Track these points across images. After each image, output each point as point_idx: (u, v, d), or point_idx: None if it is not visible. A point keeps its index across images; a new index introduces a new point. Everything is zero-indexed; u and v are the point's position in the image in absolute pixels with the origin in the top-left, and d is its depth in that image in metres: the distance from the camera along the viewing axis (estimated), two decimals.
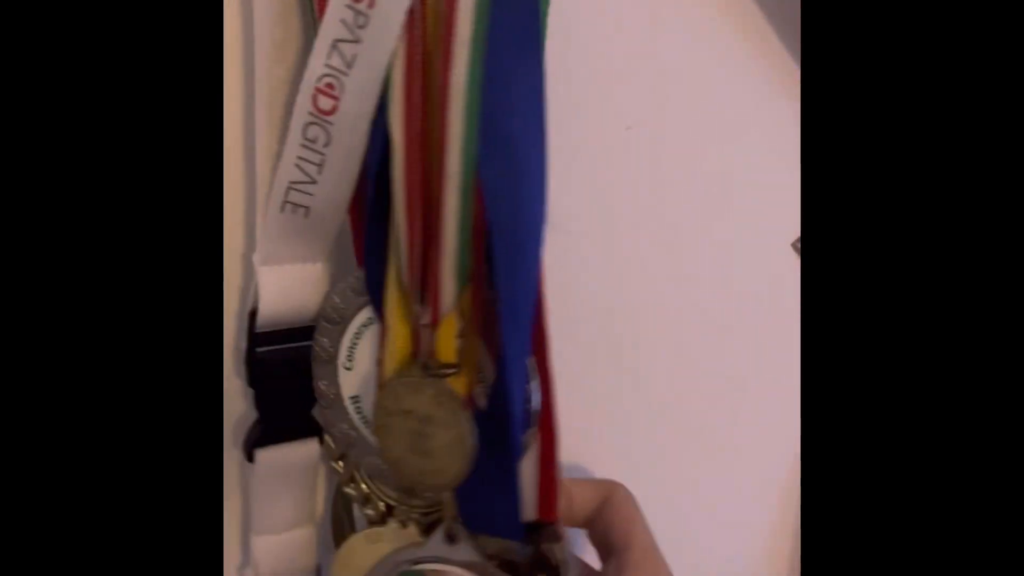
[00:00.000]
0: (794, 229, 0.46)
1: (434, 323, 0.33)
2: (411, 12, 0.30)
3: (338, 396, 0.36)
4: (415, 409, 0.33)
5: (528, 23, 0.31)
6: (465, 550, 0.36)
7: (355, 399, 0.37)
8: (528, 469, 0.35)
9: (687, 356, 0.46)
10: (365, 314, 0.36)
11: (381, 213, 0.33)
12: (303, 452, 0.40)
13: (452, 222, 0.31)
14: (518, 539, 0.35)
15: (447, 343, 0.33)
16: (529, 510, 0.36)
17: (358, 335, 0.36)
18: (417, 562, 0.36)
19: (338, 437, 0.37)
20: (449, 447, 0.33)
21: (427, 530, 0.38)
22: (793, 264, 0.45)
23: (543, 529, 0.36)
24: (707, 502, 0.49)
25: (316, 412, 0.39)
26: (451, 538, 0.36)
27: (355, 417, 0.37)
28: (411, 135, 0.31)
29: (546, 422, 0.35)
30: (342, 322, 0.36)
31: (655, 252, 0.43)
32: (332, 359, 0.36)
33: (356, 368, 0.36)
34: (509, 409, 0.32)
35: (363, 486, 0.38)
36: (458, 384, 0.33)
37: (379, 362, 0.34)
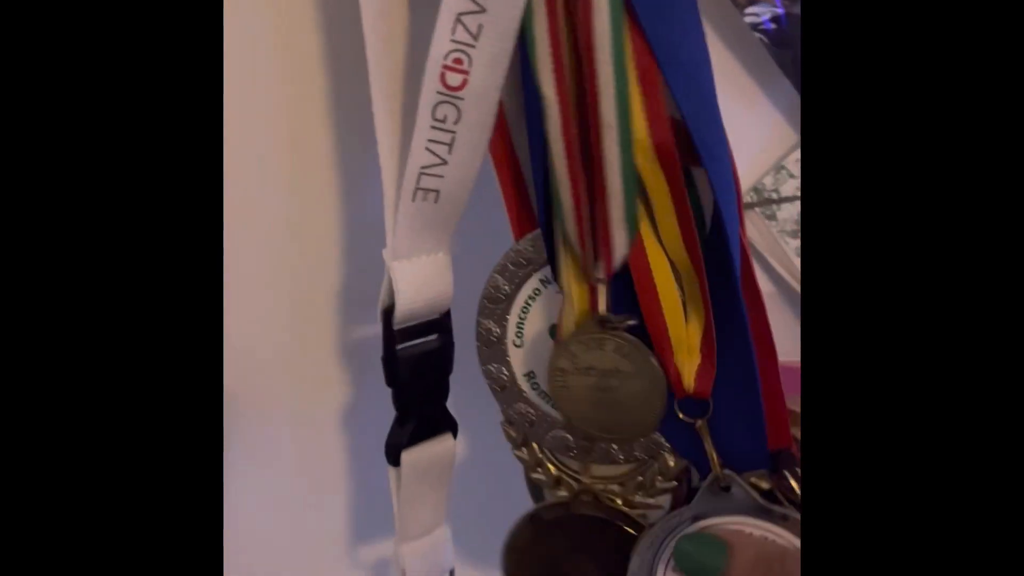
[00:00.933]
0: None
1: (608, 277, 0.34)
2: None
3: (511, 376, 0.36)
4: (596, 365, 0.34)
5: None
6: (738, 494, 0.35)
7: (530, 375, 0.37)
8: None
9: None
10: (531, 286, 0.36)
11: (545, 176, 0.33)
12: (441, 449, 0.40)
13: (615, 173, 0.32)
14: (766, 467, 0.36)
15: (671, 298, 0.34)
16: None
17: (525, 309, 0.36)
18: (697, 520, 0.35)
19: (516, 419, 0.37)
20: (640, 396, 0.34)
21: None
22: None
23: (780, 456, 0.36)
24: None
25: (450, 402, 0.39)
26: (725, 488, 0.35)
27: (532, 394, 0.37)
28: (563, 91, 0.32)
29: (765, 351, 0.35)
30: (507, 299, 0.36)
31: None
32: (500, 339, 0.36)
33: (527, 344, 0.36)
34: (744, 334, 0.33)
35: (551, 468, 0.38)
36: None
37: (557, 325, 0.35)
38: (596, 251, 0.34)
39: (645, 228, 0.34)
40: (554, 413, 0.37)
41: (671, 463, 0.37)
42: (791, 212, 0.52)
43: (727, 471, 0.35)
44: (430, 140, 0.33)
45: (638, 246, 0.34)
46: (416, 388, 0.38)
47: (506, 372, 0.36)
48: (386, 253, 0.36)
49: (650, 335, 0.34)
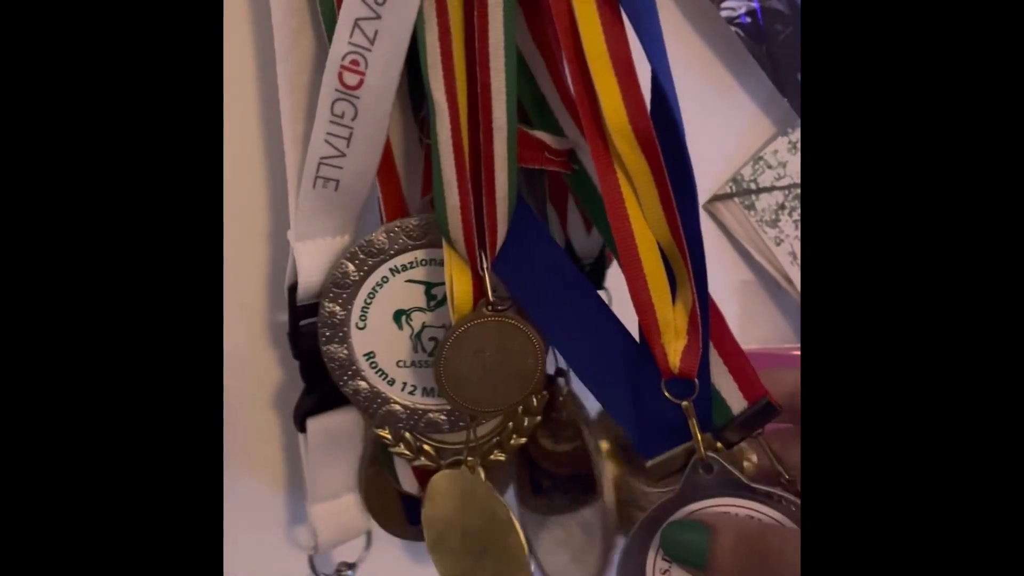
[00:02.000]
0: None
1: (491, 266, 0.36)
2: None
3: (351, 355, 0.39)
4: (485, 347, 0.37)
5: None
6: (722, 474, 0.36)
7: (369, 355, 0.39)
8: (714, 361, 0.37)
9: None
10: (380, 274, 0.38)
11: None
12: (348, 418, 0.43)
13: (503, 171, 0.35)
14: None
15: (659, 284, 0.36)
16: (735, 400, 0.37)
17: (371, 295, 0.39)
18: (686, 503, 0.36)
19: (349, 394, 0.40)
20: (524, 371, 0.37)
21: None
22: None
23: (762, 409, 0.36)
24: None
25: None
26: (708, 468, 0.36)
27: (369, 372, 0.40)
28: (452, 95, 0.34)
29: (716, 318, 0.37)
30: (354, 285, 0.38)
31: None
32: (344, 322, 0.38)
33: (370, 326, 0.39)
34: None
35: (408, 438, 0.41)
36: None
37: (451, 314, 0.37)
38: (481, 243, 0.36)
39: (633, 211, 0.35)
40: (387, 390, 0.40)
41: (525, 423, 0.40)
42: (769, 202, 0.53)
43: (709, 453, 0.36)
44: (329, 133, 0.35)
45: (625, 230, 0.35)
46: (320, 360, 0.40)
47: (345, 352, 0.39)
48: (290, 234, 0.38)
49: (638, 317, 0.36)
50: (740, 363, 0.36)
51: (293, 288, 0.39)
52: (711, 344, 0.36)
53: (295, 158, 0.37)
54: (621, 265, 0.36)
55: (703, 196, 0.51)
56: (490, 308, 0.36)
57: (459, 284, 0.37)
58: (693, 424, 0.36)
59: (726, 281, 0.53)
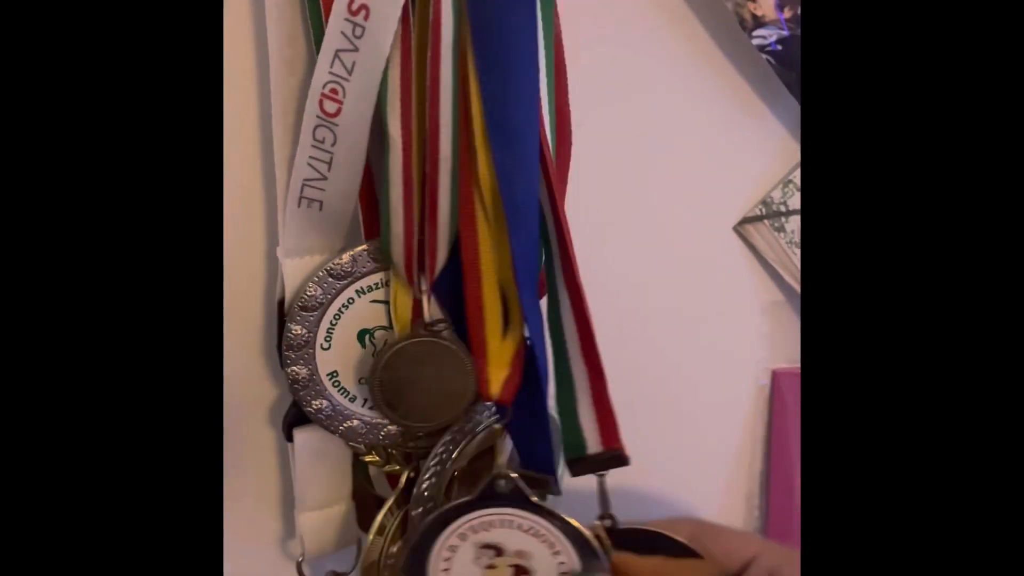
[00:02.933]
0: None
1: (431, 289, 0.39)
2: (405, 21, 0.35)
3: (314, 375, 0.40)
4: (423, 364, 0.39)
5: (507, 29, 0.36)
6: (516, 490, 0.39)
7: (332, 374, 0.41)
8: (583, 403, 0.41)
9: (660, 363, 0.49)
10: (346, 295, 0.40)
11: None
12: None
13: (445, 199, 0.37)
14: (552, 473, 0.41)
15: (492, 316, 0.39)
16: (593, 442, 0.41)
17: (337, 316, 0.40)
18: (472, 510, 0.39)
19: (311, 413, 0.41)
20: (454, 391, 0.39)
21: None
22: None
23: (607, 456, 0.40)
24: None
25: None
26: (501, 481, 0.39)
27: (332, 391, 0.41)
28: (407, 129, 0.36)
29: (589, 355, 0.40)
30: (320, 307, 0.40)
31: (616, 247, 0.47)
32: (309, 343, 0.40)
33: (334, 347, 0.40)
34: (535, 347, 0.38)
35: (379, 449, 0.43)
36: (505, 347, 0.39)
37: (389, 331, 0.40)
38: (421, 267, 0.38)
39: (484, 251, 0.38)
40: (350, 407, 0.41)
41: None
42: (798, 224, 0.54)
43: (506, 471, 0.39)
44: (311, 157, 0.37)
45: (472, 265, 0.38)
46: None
47: (307, 371, 0.40)
48: (279, 250, 0.40)
49: (471, 344, 0.39)
50: (604, 413, 0.40)
51: (281, 303, 0.41)
52: (584, 388, 0.41)
53: (283, 180, 0.39)
54: (465, 297, 0.39)
55: (734, 218, 0.51)
56: (425, 328, 0.38)
57: (400, 305, 0.39)
58: (499, 444, 0.41)
59: (756, 302, 0.54)
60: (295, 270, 0.40)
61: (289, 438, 0.44)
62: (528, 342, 0.40)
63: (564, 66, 0.40)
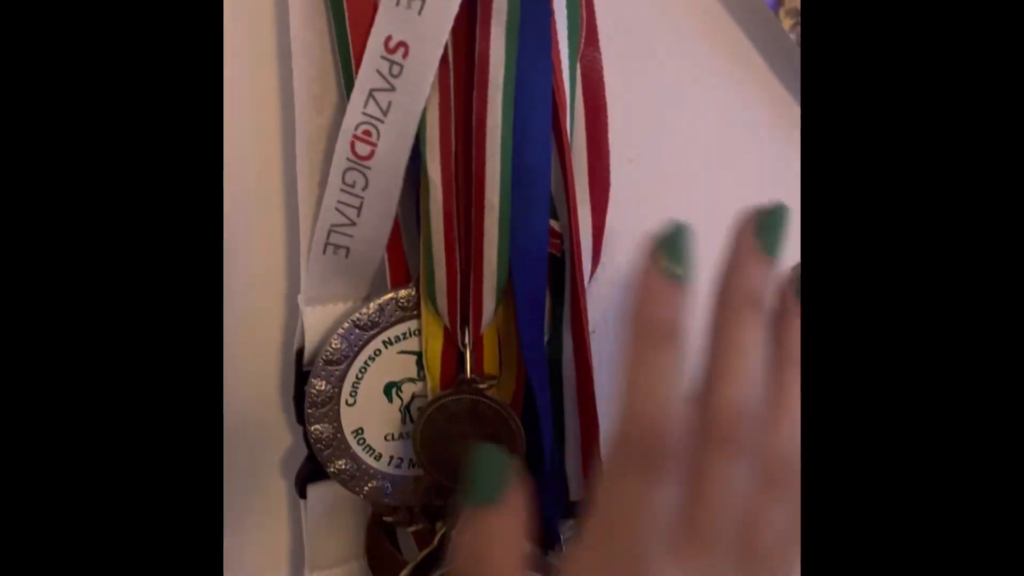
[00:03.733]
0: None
1: (476, 341, 0.37)
2: (443, 61, 0.33)
3: (338, 433, 0.38)
4: (462, 423, 0.37)
5: (544, 65, 0.34)
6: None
7: (357, 432, 0.39)
8: (571, 451, 0.40)
9: None
10: (373, 347, 0.38)
11: None
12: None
13: (493, 249, 0.35)
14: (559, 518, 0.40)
15: (489, 356, 0.37)
16: (575, 490, 0.40)
17: (363, 370, 0.38)
18: None
19: (334, 474, 0.39)
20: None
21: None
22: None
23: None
24: None
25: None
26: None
27: (358, 449, 0.39)
28: (447, 171, 0.34)
29: (585, 408, 0.39)
30: (346, 360, 0.37)
31: None
32: (334, 399, 0.38)
33: (360, 402, 0.38)
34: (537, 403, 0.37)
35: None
36: (501, 391, 0.38)
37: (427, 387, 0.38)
38: (464, 319, 0.37)
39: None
40: (375, 466, 0.39)
41: None
42: None
43: None
44: (339, 202, 0.35)
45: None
46: None
47: (331, 430, 0.38)
48: (300, 298, 0.38)
49: None
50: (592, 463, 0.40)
51: (300, 352, 0.38)
52: (574, 438, 0.40)
53: (308, 223, 0.37)
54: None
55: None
56: (468, 385, 0.36)
57: (432, 356, 0.37)
58: None
59: None
60: (317, 319, 0.38)
61: (302, 494, 0.41)
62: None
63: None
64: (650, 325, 0.27)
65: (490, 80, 0.33)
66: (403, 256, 0.38)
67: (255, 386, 0.42)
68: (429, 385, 0.38)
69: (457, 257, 0.35)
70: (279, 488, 0.44)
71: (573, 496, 0.40)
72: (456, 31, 0.33)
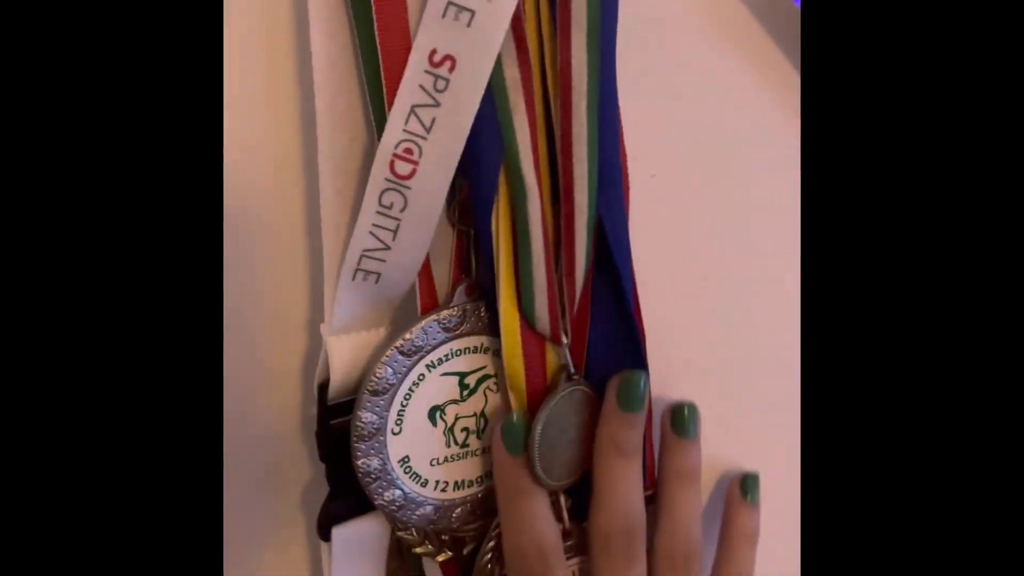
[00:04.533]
0: None
1: (575, 343, 0.37)
2: (524, 64, 0.33)
3: (385, 465, 0.37)
4: (572, 417, 0.38)
5: (613, 70, 0.35)
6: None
7: (403, 460, 0.37)
8: None
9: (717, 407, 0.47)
10: (417, 372, 0.36)
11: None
12: (374, 527, 0.40)
13: (583, 253, 0.36)
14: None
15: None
16: None
17: (407, 397, 0.36)
18: None
19: (382, 506, 0.37)
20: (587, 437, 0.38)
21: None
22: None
23: None
24: None
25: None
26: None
27: (403, 478, 0.37)
28: (540, 178, 0.34)
29: None
30: (391, 389, 0.36)
31: (683, 300, 0.45)
32: (380, 430, 0.36)
33: (405, 430, 0.37)
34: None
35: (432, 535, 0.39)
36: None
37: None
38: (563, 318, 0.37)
39: None
40: (422, 493, 0.38)
41: None
42: None
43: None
44: (375, 225, 0.33)
45: None
46: (350, 463, 0.37)
47: (379, 462, 0.36)
48: (324, 328, 0.35)
49: None
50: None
51: (324, 385, 0.36)
52: None
53: (335, 248, 0.34)
54: None
55: None
56: (570, 379, 0.37)
57: (521, 368, 0.37)
58: None
59: None
60: (344, 349, 0.35)
61: (326, 537, 0.39)
62: None
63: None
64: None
65: (574, 87, 0.33)
66: (432, 278, 0.36)
67: (268, 424, 0.39)
68: (514, 401, 0.37)
69: (552, 261, 0.35)
70: (297, 523, 0.42)
71: None
72: (532, 36, 0.33)
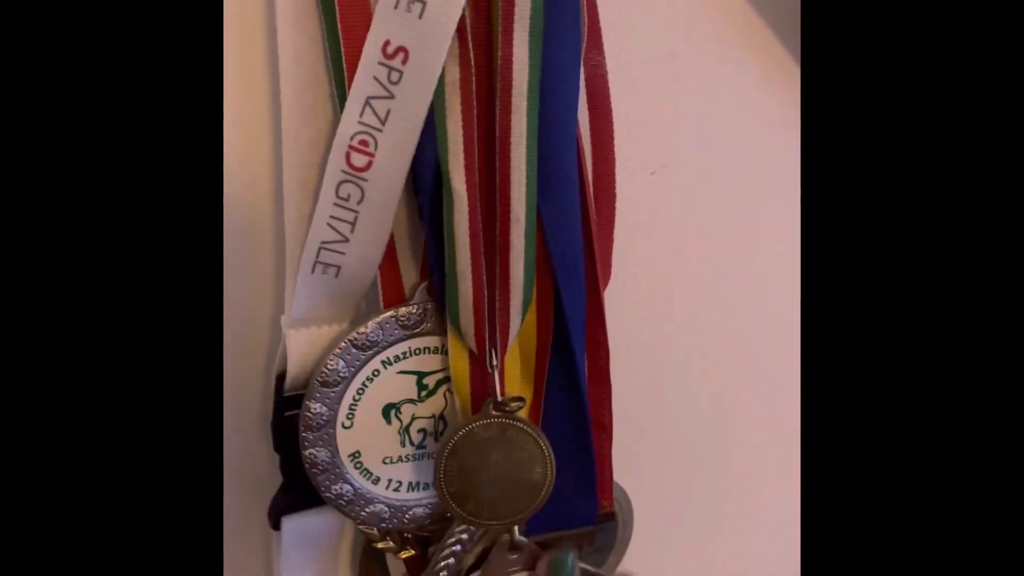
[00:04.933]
0: None
1: (502, 360, 0.35)
2: (465, 65, 0.32)
3: (334, 458, 0.36)
4: (490, 451, 0.35)
5: (570, 71, 0.33)
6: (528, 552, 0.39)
7: (354, 455, 0.37)
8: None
9: (720, 405, 0.46)
10: (371, 367, 0.36)
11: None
12: (325, 520, 0.40)
13: (519, 264, 0.33)
14: (593, 524, 0.40)
15: (511, 376, 0.35)
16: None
17: (360, 391, 0.36)
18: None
19: (330, 499, 0.37)
20: (532, 478, 0.36)
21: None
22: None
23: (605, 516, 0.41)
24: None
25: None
26: (515, 547, 0.39)
27: (355, 473, 0.37)
28: (472, 184, 0.33)
29: (602, 421, 0.39)
30: (344, 382, 0.36)
31: (686, 299, 0.44)
32: (330, 422, 0.36)
33: (357, 425, 0.36)
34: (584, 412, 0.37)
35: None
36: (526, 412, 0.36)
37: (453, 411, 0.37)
38: (491, 339, 0.35)
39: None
40: (373, 490, 0.37)
41: None
42: None
43: (519, 537, 0.39)
44: (332, 216, 0.33)
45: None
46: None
47: (327, 454, 0.36)
48: (283, 320, 0.35)
49: None
50: (603, 471, 0.39)
51: (281, 377, 0.36)
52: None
53: (295, 241, 0.34)
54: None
55: None
56: (497, 408, 0.35)
57: (460, 380, 0.35)
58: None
59: None
60: (302, 342, 0.36)
61: (275, 526, 0.39)
62: None
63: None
64: None
65: (514, 87, 0.32)
66: (398, 274, 0.36)
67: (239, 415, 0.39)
68: (459, 407, 0.36)
69: (483, 274, 0.34)
70: (256, 520, 0.42)
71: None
72: (476, 35, 0.32)
